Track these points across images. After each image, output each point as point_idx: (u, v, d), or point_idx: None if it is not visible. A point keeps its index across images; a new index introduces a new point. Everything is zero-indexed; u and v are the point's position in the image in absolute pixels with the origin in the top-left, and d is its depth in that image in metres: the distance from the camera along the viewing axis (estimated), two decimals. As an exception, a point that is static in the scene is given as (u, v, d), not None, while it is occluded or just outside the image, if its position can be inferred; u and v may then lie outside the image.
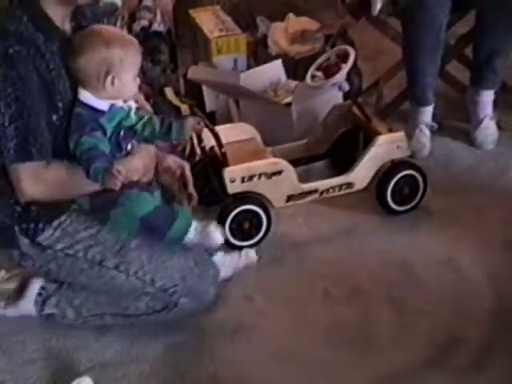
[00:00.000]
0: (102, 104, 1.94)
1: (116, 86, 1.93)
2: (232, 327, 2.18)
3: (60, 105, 1.92)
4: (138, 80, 2.00)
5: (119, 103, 1.96)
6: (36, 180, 1.93)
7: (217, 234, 2.09)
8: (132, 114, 2.00)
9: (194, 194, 2.18)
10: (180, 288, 2.05)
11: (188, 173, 2.18)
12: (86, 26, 2.00)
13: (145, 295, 2.08)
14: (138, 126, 2.03)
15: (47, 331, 2.19)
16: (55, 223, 2.03)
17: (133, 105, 2.01)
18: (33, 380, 2.05)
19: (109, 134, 1.95)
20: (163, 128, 2.09)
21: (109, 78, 1.91)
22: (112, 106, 1.95)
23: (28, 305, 2.20)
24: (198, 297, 2.09)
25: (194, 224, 2.07)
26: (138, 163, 2.03)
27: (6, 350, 2.15)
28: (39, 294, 2.19)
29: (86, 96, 1.94)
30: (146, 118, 2.04)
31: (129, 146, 2.03)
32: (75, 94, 1.94)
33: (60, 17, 1.94)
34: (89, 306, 2.15)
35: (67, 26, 1.98)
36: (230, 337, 2.16)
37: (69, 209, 2.04)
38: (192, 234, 2.06)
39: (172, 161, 2.18)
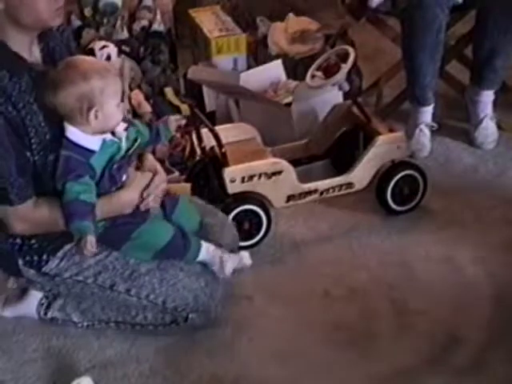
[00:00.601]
0: (92, 142, 1.87)
1: (100, 119, 1.85)
2: (232, 327, 2.18)
3: (34, 140, 1.86)
4: (122, 105, 1.92)
5: (109, 136, 1.89)
6: (23, 220, 1.91)
7: (246, 256, 2.14)
8: (123, 145, 1.93)
9: (147, 202, 2.04)
10: (190, 306, 2.06)
11: (156, 181, 2.05)
12: (54, 47, 1.95)
13: (155, 309, 2.09)
14: (131, 151, 1.97)
15: (47, 331, 2.19)
16: (60, 253, 2.02)
17: (122, 133, 1.92)
18: (33, 380, 2.05)
19: (98, 174, 1.89)
20: (153, 135, 2.07)
21: (92, 113, 1.83)
22: (104, 142, 1.88)
23: (30, 307, 2.20)
24: (208, 313, 2.10)
25: (204, 245, 2.08)
26: (131, 195, 1.99)
27: (6, 350, 2.14)
28: (45, 297, 2.19)
29: (74, 133, 1.86)
30: (138, 141, 1.98)
31: (124, 177, 1.98)
32: (51, 125, 1.87)
33: (26, 44, 1.88)
34: (95, 311, 2.15)
35: (36, 52, 1.92)
36: (230, 337, 2.16)
37: (72, 237, 1.98)
38: (204, 256, 2.07)
39: (150, 164, 2.08)
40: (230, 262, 2.09)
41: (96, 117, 1.85)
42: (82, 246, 1.80)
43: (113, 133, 1.91)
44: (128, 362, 2.09)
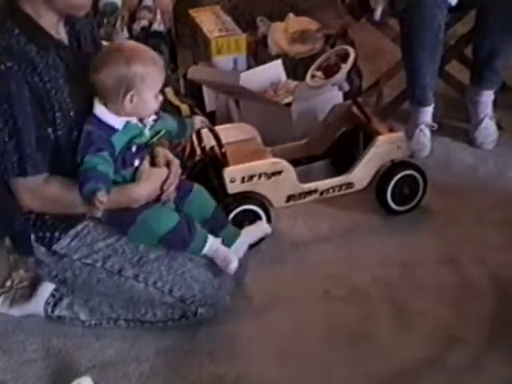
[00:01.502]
0: (117, 122, 1.92)
1: (135, 104, 1.91)
2: (232, 327, 2.18)
3: (58, 115, 1.89)
4: (161, 97, 1.98)
5: (134, 120, 1.95)
6: (33, 194, 1.93)
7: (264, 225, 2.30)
8: (146, 131, 1.97)
9: (168, 194, 2.07)
10: (198, 298, 2.06)
11: (173, 170, 2.07)
12: (80, 30, 2.00)
13: (163, 304, 2.09)
14: (154, 141, 2.01)
15: (47, 331, 2.19)
16: (72, 232, 2.03)
17: (149, 122, 1.98)
18: (33, 380, 2.05)
19: (117, 152, 1.93)
20: (180, 131, 2.12)
21: (128, 96, 1.89)
22: (127, 123, 1.93)
23: (37, 306, 2.20)
24: (216, 306, 2.11)
25: (211, 239, 2.09)
26: (142, 191, 1.99)
27: (6, 350, 2.14)
28: (52, 296, 2.19)
29: (101, 111, 1.92)
30: (162, 131, 2.02)
31: (136, 162, 2.00)
32: (76, 101, 1.91)
33: (54, 23, 1.91)
34: (103, 310, 2.15)
35: (62, 32, 1.95)
36: (230, 337, 2.16)
37: (85, 218, 2.02)
38: (208, 250, 2.08)
39: (163, 157, 2.08)
40: (234, 262, 2.09)
41: (131, 101, 1.91)
42: (92, 203, 1.81)
43: (140, 120, 1.97)
44: (128, 362, 2.09)
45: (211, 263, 2.09)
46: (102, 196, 1.81)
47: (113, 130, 1.92)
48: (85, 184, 1.85)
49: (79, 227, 2.03)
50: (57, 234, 2.02)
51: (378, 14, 2.93)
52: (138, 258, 2.04)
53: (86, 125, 1.91)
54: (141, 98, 1.92)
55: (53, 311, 2.19)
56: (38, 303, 2.20)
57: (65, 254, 2.03)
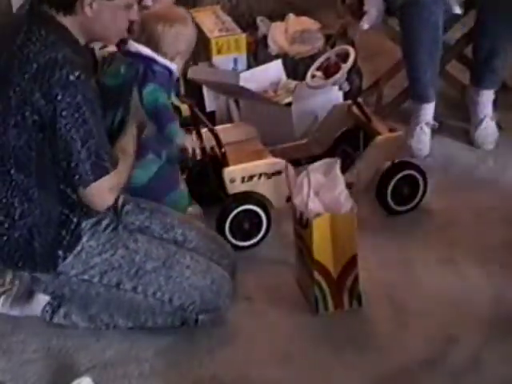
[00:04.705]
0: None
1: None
2: (232, 327, 2.18)
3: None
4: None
5: None
6: (112, 188, 1.95)
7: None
8: None
9: None
10: (198, 305, 2.08)
11: None
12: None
13: (164, 313, 2.10)
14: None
15: (47, 331, 2.19)
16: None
17: None
18: (33, 380, 2.05)
19: None
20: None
21: None
22: None
23: (36, 310, 2.19)
24: (217, 311, 2.12)
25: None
26: None
27: (6, 350, 2.14)
28: (50, 304, 2.17)
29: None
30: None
31: None
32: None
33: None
34: (102, 318, 2.15)
35: None
36: (230, 337, 2.16)
37: (80, 234, 2.01)
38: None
39: None
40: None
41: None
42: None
43: None
44: (128, 362, 2.09)
45: (209, 269, 2.10)
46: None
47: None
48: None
49: (79, 243, 2.01)
50: (60, 253, 2.00)
51: (365, 23, 2.94)
52: (135, 270, 2.04)
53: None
54: None
55: (51, 318, 2.17)
56: (36, 309, 2.19)
57: (61, 271, 2.02)
